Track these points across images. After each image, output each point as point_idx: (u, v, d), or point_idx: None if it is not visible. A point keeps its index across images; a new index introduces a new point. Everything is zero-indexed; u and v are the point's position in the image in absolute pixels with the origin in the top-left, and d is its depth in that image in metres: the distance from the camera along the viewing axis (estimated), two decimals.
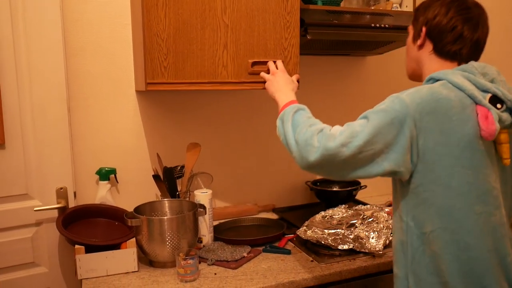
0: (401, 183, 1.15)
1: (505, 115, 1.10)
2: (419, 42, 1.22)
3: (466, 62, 1.16)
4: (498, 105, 1.09)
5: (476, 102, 1.08)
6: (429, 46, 1.20)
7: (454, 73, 1.12)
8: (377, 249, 1.56)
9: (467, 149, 1.08)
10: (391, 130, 1.07)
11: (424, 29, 1.20)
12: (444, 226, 1.09)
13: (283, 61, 1.63)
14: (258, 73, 1.60)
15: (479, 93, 1.09)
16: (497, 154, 1.12)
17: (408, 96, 1.10)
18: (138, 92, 1.84)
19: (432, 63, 1.20)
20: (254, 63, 1.60)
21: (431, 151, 1.07)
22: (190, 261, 1.39)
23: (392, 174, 1.10)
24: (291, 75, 1.62)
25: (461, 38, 1.15)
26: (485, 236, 1.10)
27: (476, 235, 1.09)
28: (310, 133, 1.16)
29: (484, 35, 1.18)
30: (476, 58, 1.19)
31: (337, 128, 1.17)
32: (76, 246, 1.46)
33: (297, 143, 1.18)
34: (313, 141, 1.13)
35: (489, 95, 1.09)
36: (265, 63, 1.61)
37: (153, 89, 1.53)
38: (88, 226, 1.65)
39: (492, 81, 1.11)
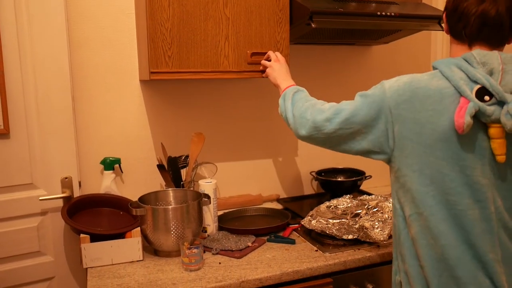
0: (390, 167, 1.20)
1: (492, 108, 1.02)
2: (444, 29, 1.20)
3: (476, 42, 1.10)
4: (486, 97, 1.02)
5: (460, 93, 1.04)
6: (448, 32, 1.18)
7: (447, 62, 1.09)
8: (381, 239, 1.55)
9: (441, 141, 1.06)
10: (370, 113, 1.15)
11: (444, 14, 1.18)
12: (419, 211, 1.11)
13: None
14: (257, 63, 1.66)
15: (467, 84, 1.04)
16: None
17: (389, 83, 1.14)
18: (142, 82, 1.83)
19: (452, 49, 1.17)
20: (253, 54, 1.65)
21: (405, 139, 1.10)
22: (195, 250, 1.39)
23: (372, 153, 1.19)
24: None
25: (462, 15, 1.09)
26: (459, 229, 1.07)
27: (449, 225, 1.07)
28: (305, 107, 1.33)
29: (501, 8, 1.05)
30: (493, 37, 1.09)
31: (329, 104, 1.29)
32: (81, 235, 1.46)
33: (294, 117, 1.36)
34: (306, 114, 1.30)
35: (478, 86, 1.03)
36: (263, 54, 1.67)
37: (157, 78, 1.53)
38: (93, 215, 1.66)
39: (491, 71, 1.04)
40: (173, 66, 1.54)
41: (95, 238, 1.47)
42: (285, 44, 1.68)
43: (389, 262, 1.55)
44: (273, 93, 2.08)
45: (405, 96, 1.09)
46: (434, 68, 1.13)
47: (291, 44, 2.03)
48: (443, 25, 1.30)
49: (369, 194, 1.92)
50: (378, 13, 1.69)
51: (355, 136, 1.19)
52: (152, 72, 1.52)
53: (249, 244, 1.57)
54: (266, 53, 1.66)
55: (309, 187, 2.22)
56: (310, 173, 2.17)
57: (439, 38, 2.37)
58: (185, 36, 1.54)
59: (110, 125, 1.82)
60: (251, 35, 1.63)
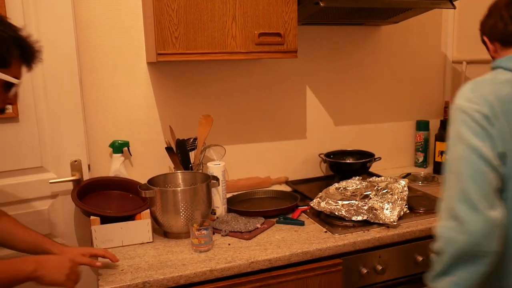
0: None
1: None
2: (491, 52, 1.22)
3: None
4: None
5: None
6: (498, 46, 1.19)
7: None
8: (391, 220, 1.55)
9: None
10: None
11: (485, 38, 1.22)
12: (509, 223, 1.03)
13: (283, 33, 1.64)
14: (264, 44, 1.63)
15: None
16: None
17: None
18: (149, 64, 1.82)
19: (503, 55, 1.17)
20: (261, 34, 1.62)
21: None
22: (204, 232, 1.39)
23: None
24: (291, 46, 1.66)
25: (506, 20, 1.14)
26: None
27: None
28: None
29: None
30: None
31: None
32: (92, 217, 1.47)
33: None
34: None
35: None
36: (270, 34, 1.63)
37: (164, 59, 1.52)
38: (102, 198, 1.67)
39: None
40: (180, 47, 1.53)
41: (105, 220, 1.48)
42: (293, 24, 1.66)
43: (399, 243, 1.55)
44: (282, 74, 2.06)
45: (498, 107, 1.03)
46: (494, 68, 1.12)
47: (299, 25, 2.00)
48: (455, 2, 1.26)
49: (379, 176, 1.90)
50: None
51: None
52: (159, 54, 1.51)
53: (258, 225, 1.57)
54: (274, 33, 1.63)
55: (318, 170, 2.21)
56: (319, 155, 2.15)
57: (450, 17, 2.32)
58: (192, 16, 1.52)
59: (118, 108, 1.81)
60: (258, 15, 1.61)
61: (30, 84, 1.59)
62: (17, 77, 1.10)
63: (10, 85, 1.09)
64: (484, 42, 1.25)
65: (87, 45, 1.73)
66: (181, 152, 1.75)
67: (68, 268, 1.12)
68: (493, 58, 1.21)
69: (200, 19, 1.53)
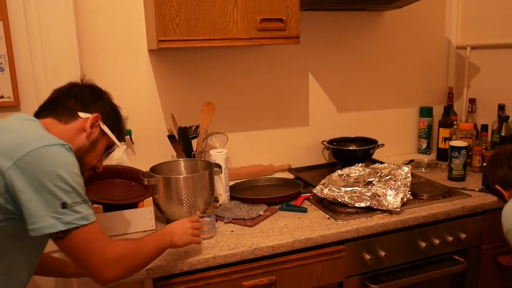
0: None
1: None
2: (507, 197, 1.43)
3: None
4: None
5: None
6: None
7: None
8: (394, 206, 1.54)
9: None
10: None
11: (498, 187, 1.46)
12: None
13: (285, 19, 1.63)
14: (266, 30, 1.61)
15: None
16: None
17: None
18: (150, 51, 1.81)
19: None
20: (263, 20, 1.60)
21: None
22: (207, 219, 1.39)
23: None
24: (293, 31, 1.65)
25: None
26: None
27: None
28: None
29: None
30: None
31: None
32: (94, 205, 1.47)
33: None
34: None
35: None
36: (272, 20, 1.61)
37: (165, 46, 1.50)
38: (105, 186, 1.66)
39: None
40: (181, 34, 1.51)
41: (108, 208, 1.48)
42: (295, 9, 1.64)
43: (402, 229, 1.55)
44: (284, 61, 2.04)
45: None
46: None
47: (301, 10, 1.97)
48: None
49: (382, 162, 1.90)
50: None
51: None
52: (160, 41, 1.50)
53: (261, 213, 1.57)
54: (276, 19, 1.61)
55: (321, 157, 2.20)
56: (322, 142, 2.15)
57: (454, 2, 2.29)
58: (193, 2, 1.51)
59: (119, 96, 1.78)
60: (260, 0, 1.58)
61: (31, 72, 1.59)
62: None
63: (109, 148, 1.26)
64: (496, 190, 1.47)
65: (88, 33, 1.72)
66: (183, 140, 1.75)
67: (190, 228, 1.25)
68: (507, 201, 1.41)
69: (201, 5, 1.52)
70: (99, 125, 1.18)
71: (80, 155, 1.13)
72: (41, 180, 0.94)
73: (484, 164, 1.59)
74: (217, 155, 1.66)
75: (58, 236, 0.97)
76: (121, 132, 1.31)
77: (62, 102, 1.15)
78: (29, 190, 0.94)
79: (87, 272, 1.02)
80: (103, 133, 1.20)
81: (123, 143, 1.77)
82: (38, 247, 1.13)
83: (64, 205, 0.96)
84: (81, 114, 1.15)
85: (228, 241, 1.38)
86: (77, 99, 1.17)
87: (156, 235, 1.18)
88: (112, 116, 1.24)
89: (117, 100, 1.78)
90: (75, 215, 0.97)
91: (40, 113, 1.15)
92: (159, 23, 1.48)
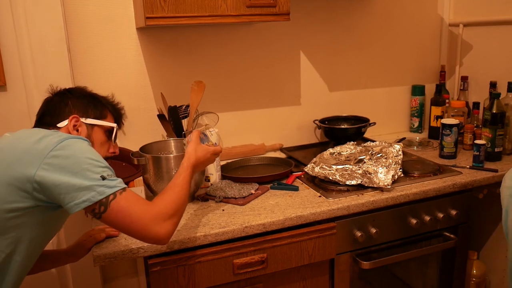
0: None
1: None
2: None
3: None
4: None
5: None
6: None
7: None
8: (385, 183, 1.54)
9: None
10: None
11: None
12: None
13: None
14: (256, 6, 1.59)
15: None
16: None
17: None
18: (139, 29, 1.78)
19: None
20: None
21: None
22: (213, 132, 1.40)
23: None
24: (283, 8, 1.63)
25: None
26: None
27: None
28: None
29: None
30: None
31: None
32: None
33: None
34: None
35: None
36: None
37: (153, 23, 1.48)
38: None
39: None
40: (169, 10, 1.48)
41: None
42: None
43: (393, 206, 1.55)
44: (275, 39, 2.01)
45: None
46: None
47: None
48: None
49: (373, 141, 1.89)
50: None
51: None
52: (147, 18, 1.47)
53: (252, 191, 1.57)
54: None
55: (313, 136, 2.20)
56: (314, 121, 2.14)
57: None
58: None
59: (108, 75, 1.78)
60: None
61: (17, 52, 1.55)
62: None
63: (111, 132, 1.30)
64: None
65: (74, 12, 1.68)
66: (173, 119, 1.73)
67: (213, 159, 1.36)
68: None
69: None
70: (81, 122, 1.22)
71: None
72: (73, 165, 1.00)
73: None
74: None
75: (100, 211, 1.01)
76: (115, 111, 1.34)
77: (43, 122, 1.22)
78: (64, 177, 0.99)
79: (140, 237, 1.06)
80: (91, 126, 1.24)
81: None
82: (52, 233, 1.20)
83: (103, 177, 1.01)
84: (60, 124, 1.20)
85: (219, 220, 1.38)
86: (51, 112, 1.22)
87: (184, 173, 1.22)
88: (92, 106, 1.27)
89: (106, 79, 1.78)
90: (115, 181, 1.03)
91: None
92: (146, 0, 1.45)
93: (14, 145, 1.04)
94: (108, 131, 1.29)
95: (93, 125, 1.25)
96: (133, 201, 1.04)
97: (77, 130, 1.21)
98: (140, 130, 1.86)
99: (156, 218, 1.05)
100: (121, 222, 1.03)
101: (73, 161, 1.00)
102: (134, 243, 1.25)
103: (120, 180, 1.05)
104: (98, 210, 1.01)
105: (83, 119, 1.23)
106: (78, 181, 0.99)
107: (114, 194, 1.02)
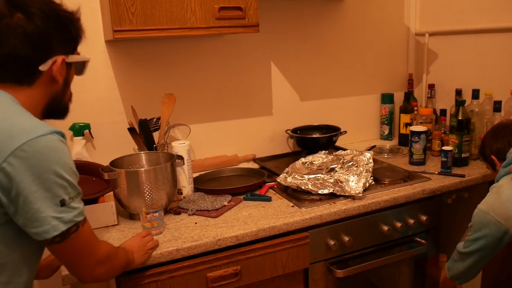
0: None
1: None
2: (498, 167, 1.45)
3: None
4: None
5: None
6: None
7: None
8: (357, 191, 1.56)
9: None
10: None
11: (494, 157, 1.50)
12: None
13: (244, 7, 1.61)
14: (225, 18, 1.59)
15: None
16: None
17: None
18: (107, 42, 1.76)
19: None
20: (221, 9, 1.58)
21: None
22: (155, 214, 1.36)
23: None
24: (253, 20, 1.64)
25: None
26: None
27: None
28: None
29: None
30: None
31: None
32: None
33: None
34: None
35: None
36: (231, 8, 1.59)
37: (121, 37, 1.47)
38: None
39: None
40: (138, 23, 1.48)
41: None
42: None
43: (365, 214, 1.57)
44: (245, 50, 2.02)
45: None
46: None
47: None
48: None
49: (345, 149, 1.92)
50: None
51: None
52: (115, 31, 1.46)
53: (225, 203, 1.56)
54: (235, 7, 1.59)
55: (285, 146, 2.21)
56: (286, 131, 2.15)
57: None
58: None
59: (76, 89, 1.71)
60: None
61: None
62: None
63: (82, 66, 1.11)
64: (491, 160, 1.51)
65: None
66: (144, 132, 1.71)
67: (143, 244, 1.25)
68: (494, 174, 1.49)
69: None
70: (65, 63, 1.01)
71: (58, 100, 1.05)
72: (38, 177, 0.87)
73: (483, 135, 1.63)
74: (179, 147, 1.63)
75: (54, 241, 0.91)
76: (80, 37, 1.07)
77: (10, 57, 0.94)
78: (27, 187, 0.86)
79: (76, 272, 1.00)
80: (70, 64, 1.05)
81: (81, 137, 1.72)
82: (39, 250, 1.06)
83: (62, 203, 0.90)
84: (42, 67, 0.97)
85: (191, 233, 1.37)
86: (26, 43, 0.93)
87: (124, 249, 1.17)
88: (70, 38, 1.03)
89: (75, 93, 1.73)
90: (73, 211, 0.92)
91: None
92: (114, 13, 1.44)
93: None
94: (79, 67, 1.10)
95: (71, 63, 1.04)
96: (88, 236, 0.98)
97: (61, 74, 1.01)
98: (110, 144, 1.83)
99: (100, 259, 1.01)
100: (70, 255, 0.96)
101: (37, 171, 0.87)
102: None
103: (79, 207, 0.95)
104: (51, 239, 0.91)
105: (66, 59, 1.01)
106: (34, 205, 0.87)
107: (77, 225, 0.93)
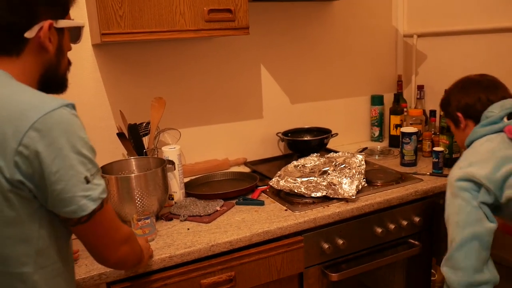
0: None
1: None
2: (463, 125, 1.42)
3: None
4: None
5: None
6: (470, 123, 1.40)
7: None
8: (350, 194, 1.55)
9: None
10: None
11: (459, 114, 1.41)
12: None
13: (234, 9, 1.59)
14: (215, 21, 1.57)
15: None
16: None
17: None
18: (95, 46, 1.73)
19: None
20: (210, 11, 1.56)
21: None
22: (146, 221, 1.33)
23: None
24: (242, 22, 1.61)
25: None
26: None
27: None
28: None
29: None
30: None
31: None
32: None
33: None
34: None
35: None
36: (220, 11, 1.57)
37: (109, 40, 1.44)
38: None
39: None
40: (126, 26, 1.45)
41: None
42: (243, 0, 1.61)
43: (358, 216, 1.56)
44: (235, 53, 2.01)
45: None
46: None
47: (251, 1, 1.94)
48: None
49: (336, 151, 1.91)
50: None
51: None
52: (103, 34, 1.43)
53: (218, 208, 1.54)
54: (225, 9, 1.57)
55: (276, 149, 2.19)
56: (277, 134, 2.14)
57: None
58: None
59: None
60: None
61: None
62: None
63: (78, 33, 1.04)
64: (456, 116, 1.42)
65: None
66: (133, 137, 1.68)
67: (149, 248, 1.24)
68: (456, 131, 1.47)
69: None
70: (54, 28, 0.94)
71: (52, 71, 0.98)
72: (56, 156, 0.81)
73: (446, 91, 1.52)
74: (169, 152, 1.61)
75: (80, 221, 0.87)
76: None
77: None
78: (47, 169, 0.81)
79: (101, 254, 0.95)
80: (62, 30, 0.97)
81: None
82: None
83: (87, 180, 0.85)
84: (28, 34, 0.89)
85: (184, 239, 1.35)
86: (6, 9, 0.87)
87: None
88: (57, 1, 0.95)
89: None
90: (98, 188, 0.88)
91: None
92: (101, 15, 1.41)
93: None
94: (75, 34, 1.03)
95: (63, 30, 0.97)
96: (112, 214, 0.94)
97: (50, 41, 0.93)
98: (99, 150, 1.76)
99: (123, 237, 0.98)
100: (95, 235, 0.92)
101: (55, 150, 0.81)
102: (96, 269, 1.20)
103: (102, 183, 0.90)
104: (77, 220, 0.86)
105: (54, 24, 0.93)
106: (60, 185, 0.83)
107: (102, 203, 0.88)
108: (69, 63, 1.04)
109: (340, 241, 1.53)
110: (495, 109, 1.33)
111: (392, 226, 1.62)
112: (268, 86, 2.11)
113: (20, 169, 0.81)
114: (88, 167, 0.86)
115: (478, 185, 1.24)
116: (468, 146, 1.37)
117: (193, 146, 1.99)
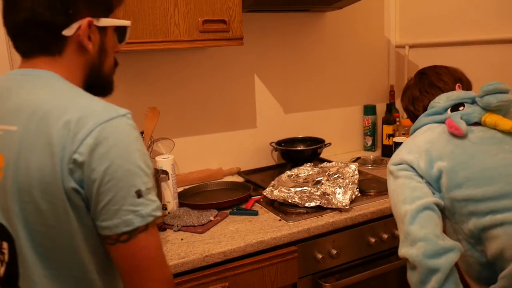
0: None
1: (470, 109, 1.23)
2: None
3: None
4: (460, 108, 1.26)
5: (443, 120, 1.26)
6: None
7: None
8: (344, 204, 1.56)
9: None
10: None
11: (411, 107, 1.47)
12: None
13: (228, 20, 1.60)
14: (209, 31, 1.58)
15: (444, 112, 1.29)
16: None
17: None
18: None
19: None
20: (205, 22, 1.57)
21: None
22: None
23: None
24: (237, 33, 1.63)
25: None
26: None
27: None
28: None
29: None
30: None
31: None
32: None
33: None
34: None
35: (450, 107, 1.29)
36: (215, 21, 1.58)
37: None
38: None
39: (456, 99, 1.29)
40: None
41: None
42: (237, 10, 1.62)
43: (352, 226, 1.56)
44: (229, 63, 2.02)
45: None
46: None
47: (245, 12, 1.96)
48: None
49: (330, 161, 1.92)
50: None
51: None
52: None
53: (211, 218, 1.54)
54: (219, 20, 1.58)
55: (270, 158, 2.20)
56: (270, 143, 2.14)
57: (392, 2, 2.36)
58: (131, 3, 1.45)
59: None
60: (201, 1, 1.55)
61: None
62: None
63: (124, 31, 0.98)
64: (409, 111, 1.50)
65: None
66: None
67: None
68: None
69: (140, 6, 1.47)
70: (95, 27, 0.89)
71: (96, 72, 0.93)
72: (110, 165, 0.76)
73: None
74: (163, 162, 1.61)
75: (119, 239, 0.78)
76: None
77: (29, 24, 0.84)
78: (98, 179, 0.76)
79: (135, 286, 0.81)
80: (104, 29, 0.92)
81: None
82: None
83: (139, 194, 0.78)
84: (67, 32, 0.85)
85: (178, 250, 1.34)
86: (44, 5, 0.82)
87: None
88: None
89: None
90: (151, 205, 0.80)
91: (27, 54, 0.87)
92: None
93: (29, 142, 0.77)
94: (121, 32, 0.98)
95: (105, 28, 0.92)
96: (159, 241, 0.82)
97: (89, 39, 0.88)
98: None
99: (168, 278, 0.85)
100: (136, 262, 0.80)
101: (108, 159, 0.77)
102: None
103: (156, 200, 0.81)
104: (117, 237, 0.78)
105: (95, 22, 0.88)
106: (107, 196, 0.78)
107: (147, 224, 0.79)
108: (115, 64, 1.00)
109: (334, 251, 1.53)
110: (441, 100, 1.32)
111: (385, 236, 1.63)
112: (261, 95, 2.12)
113: (74, 177, 0.77)
114: (144, 180, 0.80)
115: (416, 172, 1.21)
116: (412, 134, 1.36)
117: (187, 156, 1.98)
